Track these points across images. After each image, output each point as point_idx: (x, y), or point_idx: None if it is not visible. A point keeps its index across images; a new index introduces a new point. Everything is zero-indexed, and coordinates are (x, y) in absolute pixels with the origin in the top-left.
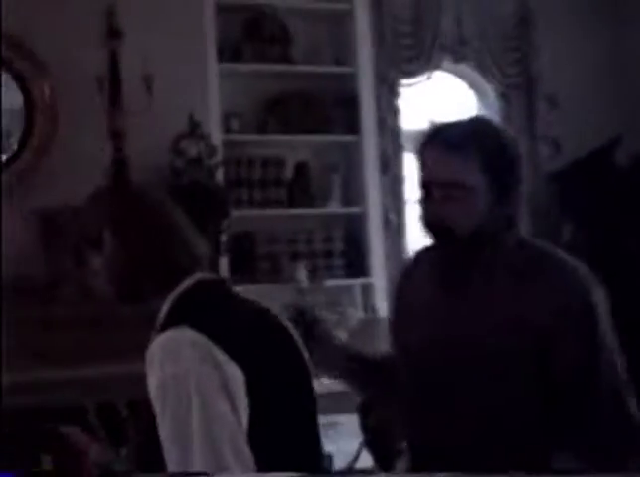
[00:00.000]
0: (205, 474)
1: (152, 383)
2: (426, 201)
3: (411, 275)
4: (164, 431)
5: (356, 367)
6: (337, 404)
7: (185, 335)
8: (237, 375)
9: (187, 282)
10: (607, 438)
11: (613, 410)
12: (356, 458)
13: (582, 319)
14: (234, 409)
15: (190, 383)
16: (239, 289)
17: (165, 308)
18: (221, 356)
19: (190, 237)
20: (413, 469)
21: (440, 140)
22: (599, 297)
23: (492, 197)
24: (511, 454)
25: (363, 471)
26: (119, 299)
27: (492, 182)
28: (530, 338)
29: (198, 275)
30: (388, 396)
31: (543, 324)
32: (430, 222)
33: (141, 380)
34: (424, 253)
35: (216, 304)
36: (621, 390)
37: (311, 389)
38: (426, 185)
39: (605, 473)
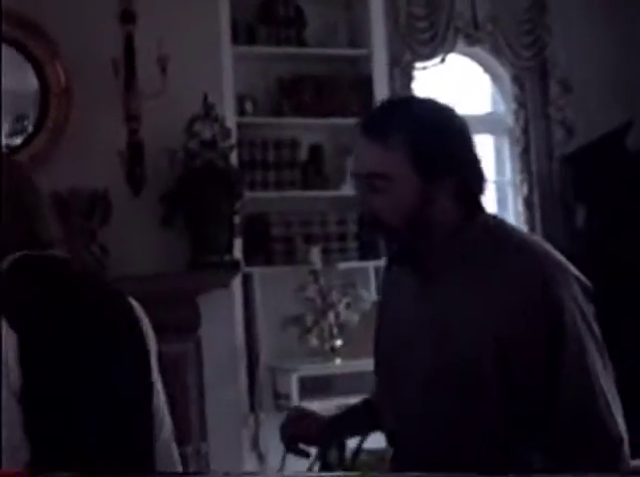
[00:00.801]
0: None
1: None
2: (357, 192)
3: (391, 270)
4: None
5: (348, 426)
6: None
7: None
8: (9, 339)
9: (13, 256)
10: (569, 445)
11: (573, 415)
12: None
13: (542, 316)
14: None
15: None
16: (252, 270)
17: None
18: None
19: (39, 216)
20: (394, 465)
21: (363, 130)
22: (569, 290)
23: (425, 185)
24: (480, 455)
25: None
26: None
27: (423, 170)
28: (490, 333)
29: (27, 251)
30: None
31: (501, 319)
32: (362, 213)
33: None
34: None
35: (19, 277)
36: (589, 392)
37: (143, 377)
38: (355, 177)
39: (592, 473)
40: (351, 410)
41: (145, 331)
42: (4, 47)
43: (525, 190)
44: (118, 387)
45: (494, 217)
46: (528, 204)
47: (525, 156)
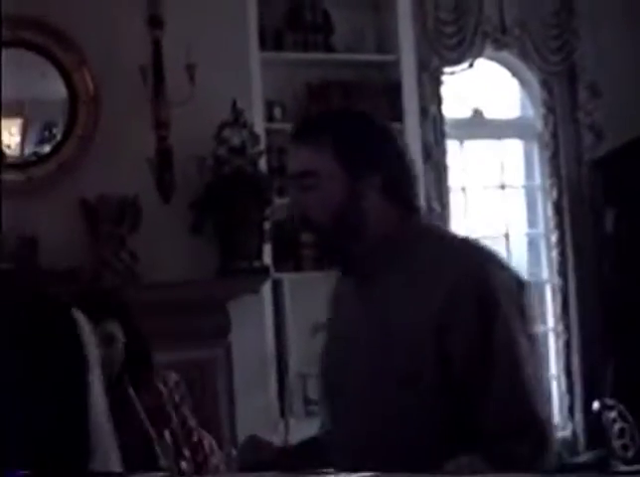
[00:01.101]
0: None
1: None
2: (289, 195)
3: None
4: None
5: (304, 458)
6: None
7: None
8: None
9: None
10: (500, 437)
11: (502, 402)
12: None
13: (477, 307)
14: None
15: None
16: (282, 276)
17: None
18: None
19: None
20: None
21: (294, 136)
22: (502, 283)
23: (352, 181)
24: (419, 452)
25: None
26: None
27: (349, 166)
28: (429, 331)
29: None
30: None
31: (439, 315)
32: (292, 214)
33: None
34: None
35: None
36: (518, 379)
37: (77, 393)
38: (288, 180)
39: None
40: (307, 443)
41: (85, 343)
42: (31, 54)
43: (554, 194)
44: (49, 401)
45: (426, 218)
46: (557, 208)
47: (554, 161)
